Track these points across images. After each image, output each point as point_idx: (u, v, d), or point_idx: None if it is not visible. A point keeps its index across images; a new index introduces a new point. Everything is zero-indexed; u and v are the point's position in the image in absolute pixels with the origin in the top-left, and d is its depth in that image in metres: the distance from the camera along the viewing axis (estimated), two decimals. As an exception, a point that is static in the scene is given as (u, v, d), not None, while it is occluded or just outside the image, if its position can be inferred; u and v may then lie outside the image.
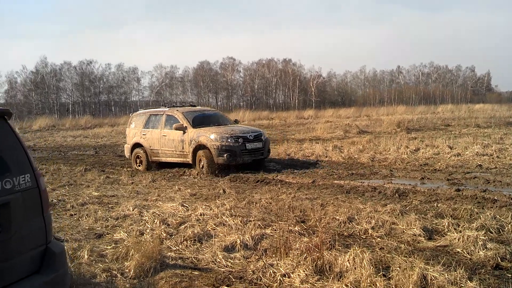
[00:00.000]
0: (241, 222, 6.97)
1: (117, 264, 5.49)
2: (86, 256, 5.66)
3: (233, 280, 5.05)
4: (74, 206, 8.55)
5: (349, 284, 4.57)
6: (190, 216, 7.54)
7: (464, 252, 5.66)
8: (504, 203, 7.87)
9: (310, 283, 4.79)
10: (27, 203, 3.19)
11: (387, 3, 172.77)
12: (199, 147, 13.07)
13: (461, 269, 4.81)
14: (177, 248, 6.08)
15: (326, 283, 4.75)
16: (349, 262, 5.07)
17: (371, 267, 4.87)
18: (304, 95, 78.08)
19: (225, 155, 12.58)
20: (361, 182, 10.68)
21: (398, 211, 7.38)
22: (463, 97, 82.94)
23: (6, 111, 3.36)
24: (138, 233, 6.69)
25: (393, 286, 4.55)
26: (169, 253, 5.86)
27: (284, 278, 4.98)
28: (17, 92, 65.79)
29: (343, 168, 12.96)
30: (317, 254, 5.26)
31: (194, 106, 16.15)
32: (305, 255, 5.29)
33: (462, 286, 4.49)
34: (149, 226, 7.04)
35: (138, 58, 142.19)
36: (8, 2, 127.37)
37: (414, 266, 4.82)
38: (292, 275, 4.99)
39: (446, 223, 6.63)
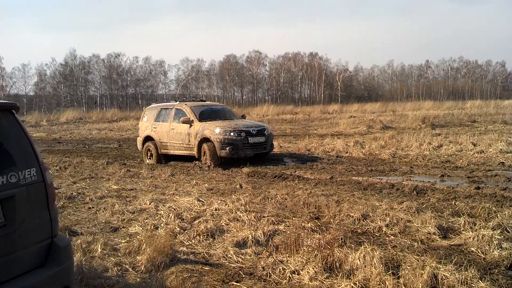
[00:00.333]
0: (254, 217, 6.99)
1: (129, 258, 5.57)
2: (99, 250, 5.75)
3: (243, 276, 5.07)
4: (92, 200, 8.70)
5: (357, 283, 4.54)
6: (205, 211, 7.60)
7: (478, 252, 5.56)
8: (524, 202, 7.70)
9: (319, 281, 4.77)
10: (32, 197, 3.24)
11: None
12: (204, 140, 13.47)
13: (473, 268, 4.73)
14: (190, 243, 6.13)
15: (335, 281, 4.72)
16: (359, 260, 5.03)
17: (381, 266, 4.83)
18: (330, 89, 77.61)
19: (228, 148, 13.01)
20: (379, 179, 10.57)
21: (414, 208, 7.28)
22: (492, 92, 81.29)
23: (14, 105, 3.42)
24: (152, 227, 6.76)
25: (402, 285, 4.49)
26: (182, 248, 5.91)
27: (293, 275, 4.98)
28: (46, 85, 66.95)
29: (363, 165, 12.85)
30: (328, 252, 5.24)
31: (204, 101, 16.76)
32: (315, 252, 5.27)
33: (472, 286, 4.42)
34: (164, 220, 7.11)
35: (165, 51, 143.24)
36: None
37: (426, 265, 4.77)
38: (301, 272, 4.98)
39: (462, 222, 6.52)
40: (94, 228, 6.86)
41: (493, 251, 5.50)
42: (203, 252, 5.81)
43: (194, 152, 13.83)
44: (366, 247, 5.21)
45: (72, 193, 9.12)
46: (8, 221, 3.03)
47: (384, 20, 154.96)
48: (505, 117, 29.49)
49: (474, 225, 6.40)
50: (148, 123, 15.43)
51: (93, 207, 8.13)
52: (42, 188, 3.34)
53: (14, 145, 3.25)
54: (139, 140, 15.85)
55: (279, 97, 74.80)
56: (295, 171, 11.92)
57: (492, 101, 58.64)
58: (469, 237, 5.99)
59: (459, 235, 6.19)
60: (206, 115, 14.32)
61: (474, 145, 15.23)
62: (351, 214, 7.14)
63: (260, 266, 5.24)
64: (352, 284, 4.52)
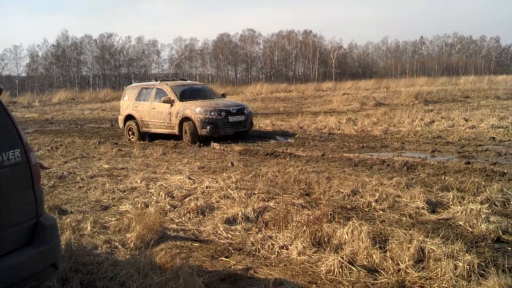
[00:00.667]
0: (245, 195, 7.01)
1: (119, 235, 5.60)
2: (89, 228, 5.78)
3: (232, 251, 5.11)
4: (83, 179, 8.69)
5: (345, 256, 4.56)
6: (196, 189, 7.61)
7: (466, 225, 5.62)
8: (513, 176, 7.76)
9: (307, 255, 4.82)
10: (16, 178, 3.22)
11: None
12: (185, 119, 13.83)
13: (460, 242, 4.77)
14: (180, 220, 6.15)
15: (322, 255, 4.76)
16: (347, 235, 5.08)
17: (369, 240, 4.87)
18: (324, 67, 77.09)
19: (208, 127, 13.38)
20: (370, 155, 10.61)
21: (403, 184, 7.32)
22: (486, 68, 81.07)
23: None
24: (143, 205, 6.79)
25: (389, 259, 4.53)
26: (172, 225, 5.94)
27: (282, 250, 5.03)
28: (39, 66, 66.11)
29: (355, 141, 12.87)
30: (317, 227, 5.28)
31: (184, 80, 16.92)
32: (304, 227, 5.30)
33: (459, 259, 4.45)
34: (154, 198, 7.13)
35: (158, 31, 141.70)
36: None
37: (413, 239, 4.82)
38: (290, 247, 5.03)
39: (451, 196, 6.57)
40: (84, 207, 6.88)
41: (480, 225, 5.55)
42: (193, 229, 5.84)
43: (176, 131, 14.18)
44: (354, 222, 5.25)
45: (63, 173, 9.11)
46: None
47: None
48: (498, 92, 29.56)
49: (463, 200, 6.45)
50: (129, 102, 15.61)
51: (83, 186, 8.13)
52: (26, 169, 3.32)
53: None
54: (120, 119, 16.07)
55: (273, 76, 74.30)
56: (287, 149, 11.93)
57: (486, 76, 58.47)
58: (458, 211, 6.04)
59: (447, 209, 6.24)
60: (187, 95, 14.61)
61: (466, 120, 15.28)
62: (341, 190, 7.17)
63: (249, 242, 5.28)
64: (339, 258, 4.54)
